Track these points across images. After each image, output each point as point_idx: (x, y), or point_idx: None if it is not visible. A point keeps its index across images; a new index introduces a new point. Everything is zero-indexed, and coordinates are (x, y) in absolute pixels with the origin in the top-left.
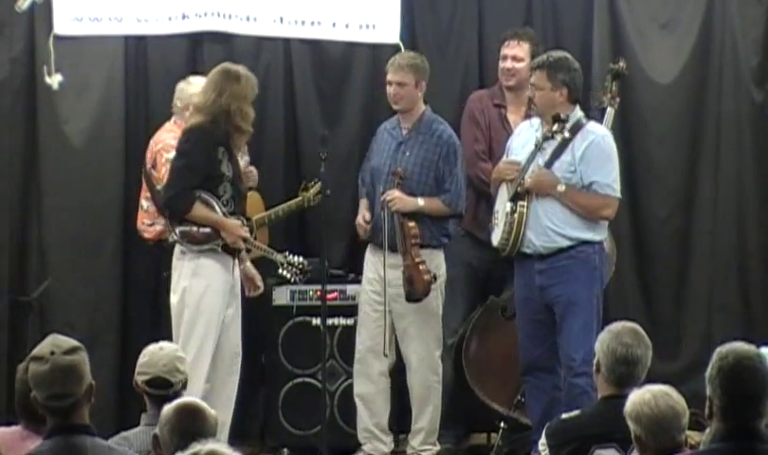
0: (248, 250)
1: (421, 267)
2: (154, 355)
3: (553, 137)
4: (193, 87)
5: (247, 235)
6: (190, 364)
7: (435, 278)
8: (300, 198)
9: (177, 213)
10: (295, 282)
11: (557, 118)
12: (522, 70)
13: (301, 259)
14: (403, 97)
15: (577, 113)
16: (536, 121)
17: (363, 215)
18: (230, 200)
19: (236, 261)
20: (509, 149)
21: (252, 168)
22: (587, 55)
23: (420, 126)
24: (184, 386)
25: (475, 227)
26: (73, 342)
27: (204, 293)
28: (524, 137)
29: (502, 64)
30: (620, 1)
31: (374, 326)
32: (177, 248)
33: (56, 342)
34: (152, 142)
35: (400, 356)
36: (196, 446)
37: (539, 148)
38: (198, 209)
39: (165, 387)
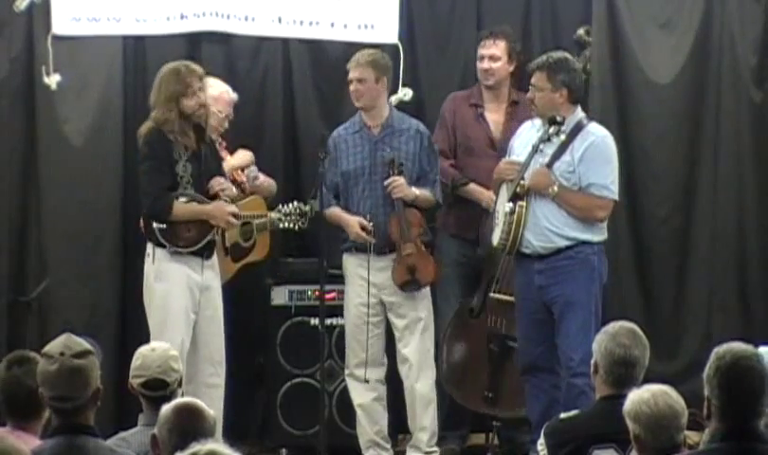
0: (245, 223)
1: (431, 256)
2: (146, 358)
3: (549, 140)
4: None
5: (236, 209)
6: None
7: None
8: (308, 206)
9: (161, 217)
10: (300, 228)
11: (552, 121)
12: (500, 69)
13: (295, 203)
14: (363, 93)
15: (578, 114)
16: (537, 122)
17: (359, 221)
18: (192, 201)
19: (207, 261)
20: (511, 149)
21: (263, 179)
22: None
23: (392, 122)
24: (180, 384)
25: (461, 228)
26: (85, 345)
27: (166, 296)
28: (526, 138)
29: (479, 65)
30: (619, 1)
31: (365, 338)
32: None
33: (68, 343)
34: None
35: (390, 362)
36: (196, 446)
37: (536, 150)
38: (179, 208)
39: (161, 387)
